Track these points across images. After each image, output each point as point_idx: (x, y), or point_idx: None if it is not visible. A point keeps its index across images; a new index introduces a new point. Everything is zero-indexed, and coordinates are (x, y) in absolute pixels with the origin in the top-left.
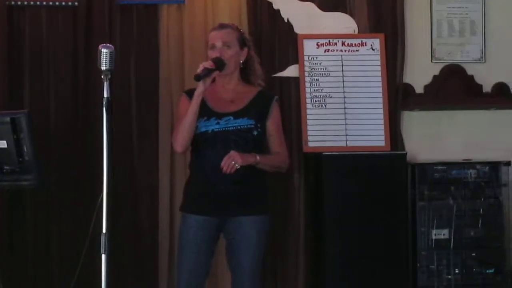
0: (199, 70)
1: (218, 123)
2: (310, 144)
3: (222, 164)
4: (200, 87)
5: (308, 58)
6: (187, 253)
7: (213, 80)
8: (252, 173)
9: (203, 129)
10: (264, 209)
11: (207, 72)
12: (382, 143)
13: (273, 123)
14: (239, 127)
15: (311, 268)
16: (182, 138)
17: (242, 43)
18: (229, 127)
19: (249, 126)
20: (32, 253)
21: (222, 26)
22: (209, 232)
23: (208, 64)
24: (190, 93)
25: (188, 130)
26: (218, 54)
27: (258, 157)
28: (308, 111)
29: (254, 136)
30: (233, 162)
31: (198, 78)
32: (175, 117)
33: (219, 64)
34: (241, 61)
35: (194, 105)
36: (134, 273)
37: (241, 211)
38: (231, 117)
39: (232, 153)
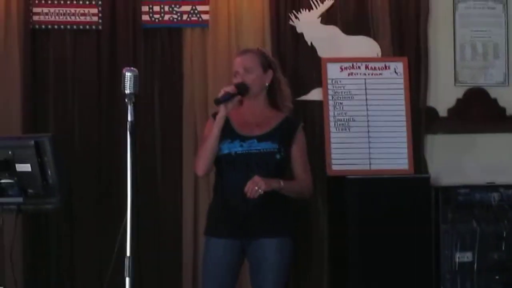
0: (220, 94)
1: (241, 146)
2: (334, 167)
3: (246, 189)
4: (221, 112)
5: (332, 82)
6: (212, 277)
7: (241, 103)
8: (274, 197)
9: (226, 151)
10: (287, 231)
11: (228, 96)
12: (406, 166)
13: (298, 149)
14: (262, 150)
15: None
16: (203, 162)
17: (266, 65)
18: (252, 150)
19: (272, 149)
20: (56, 275)
21: (244, 52)
22: (233, 256)
23: (230, 89)
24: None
25: (209, 155)
26: (240, 81)
27: (282, 183)
28: (331, 135)
29: (276, 160)
30: (256, 188)
31: (218, 102)
32: (199, 139)
33: (242, 89)
34: (267, 84)
35: (215, 130)
36: None
37: (263, 233)
38: (255, 140)
39: (256, 178)
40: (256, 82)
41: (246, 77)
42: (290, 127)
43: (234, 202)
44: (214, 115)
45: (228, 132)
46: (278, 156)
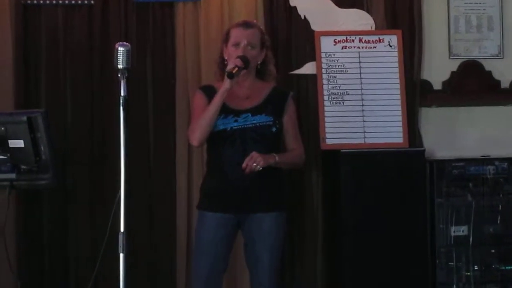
0: (231, 67)
1: (236, 121)
2: (328, 141)
3: (244, 165)
4: (227, 84)
5: (325, 55)
6: (205, 252)
7: None
8: (270, 171)
9: (221, 127)
10: (282, 205)
11: (238, 70)
12: (400, 140)
13: (289, 120)
14: (257, 124)
15: (329, 265)
16: (200, 132)
17: (263, 44)
18: (248, 124)
19: (267, 122)
20: (49, 253)
21: (248, 25)
22: (227, 230)
23: (239, 62)
24: (205, 89)
25: (208, 125)
26: (241, 53)
27: (277, 158)
28: (325, 108)
29: (272, 133)
30: (254, 164)
31: (231, 76)
32: (191, 113)
33: (247, 63)
34: (259, 62)
35: (218, 101)
36: (152, 272)
37: (260, 208)
38: (249, 114)
39: (254, 154)
40: (255, 59)
41: (248, 52)
42: (280, 97)
43: (232, 177)
44: (203, 88)
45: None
46: (274, 129)
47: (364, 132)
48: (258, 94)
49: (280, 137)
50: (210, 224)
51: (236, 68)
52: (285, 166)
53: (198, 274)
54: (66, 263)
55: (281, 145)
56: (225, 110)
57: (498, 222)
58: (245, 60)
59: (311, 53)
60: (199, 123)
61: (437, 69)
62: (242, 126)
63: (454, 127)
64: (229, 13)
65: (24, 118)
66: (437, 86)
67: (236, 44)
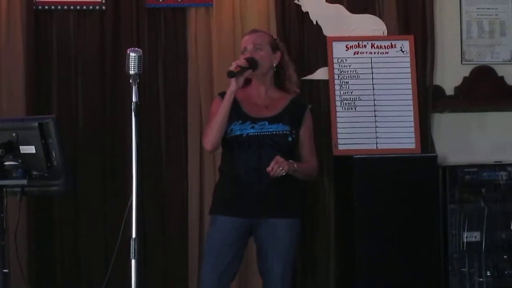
0: (233, 67)
1: (253, 127)
2: (340, 147)
3: (269, 168)
4: (232, 85)
5: (338, 61)
6: (216, 255)
7: (247, 83)
8: (287, 178)
9: (237, 133)
10: (297, 212)
11: (241, 69)
12: (413, 146)
13: (306, 132)
14: (274, 132)
15: (341, 271)
16: (212, 136)
17: (275, 47)
18: (264, 131)
19: (284, 131)
20: (60, 259)
21: (254, 31)
22: (239, 234)
23: (241, 62)
24: (223, 95)
25: (219, 128)
26: (249, 56)
27: (295, 165)
28: (337, 114)
29: (288, 142)
30: (280, 168)
31: (231, 74)
32: (205, 119)
33: (252, 63)
34: (274, 65)
35: (226, 104)
36: (164, 278)
37: (275, 213)
38: (266, 122)
39: (279, 158)
40: (265, 60)
41: (256, 53)
42: (299, 109)
43: (248, 181)
44: (221, 94)
45: (237, 113)
46: (290, 138)
47: (376, 137)
48: (277, 104)
49: (295, 148)
50: (222, 228)
51: (239, 68)
52: (300, 176)
53: (208, 278)
54: (77, 269)
55: (296, 156)
56: (243, 117)
57: (511, 228)
58: (250, 60)
59: (323, 59)
60: (211, 126)
61: (450, 75)
62: (259, 133)
63: (466, 133)
64: (241, 18)
65: (36, 124)
66: (449, 91)
67: (244, 50)
